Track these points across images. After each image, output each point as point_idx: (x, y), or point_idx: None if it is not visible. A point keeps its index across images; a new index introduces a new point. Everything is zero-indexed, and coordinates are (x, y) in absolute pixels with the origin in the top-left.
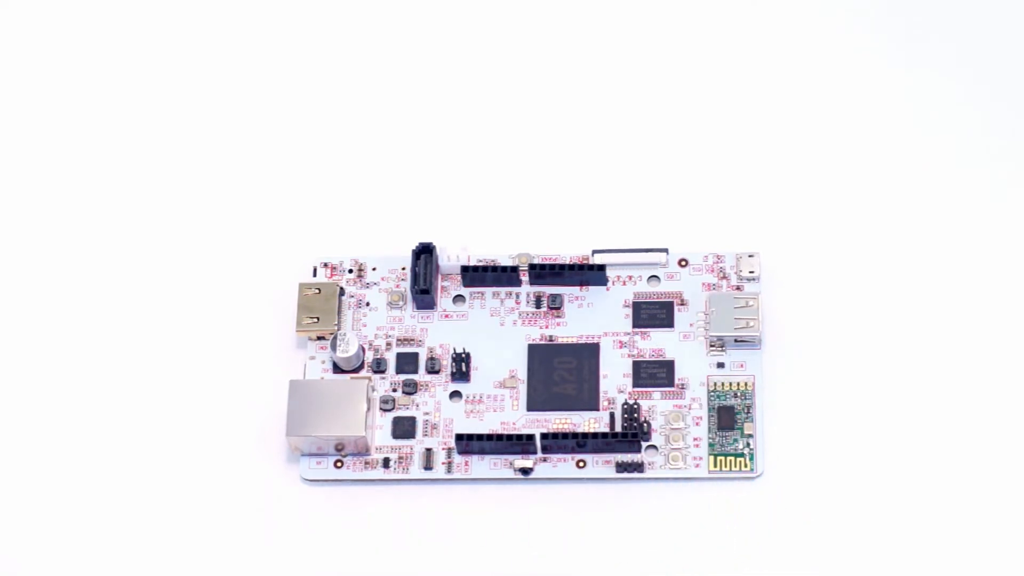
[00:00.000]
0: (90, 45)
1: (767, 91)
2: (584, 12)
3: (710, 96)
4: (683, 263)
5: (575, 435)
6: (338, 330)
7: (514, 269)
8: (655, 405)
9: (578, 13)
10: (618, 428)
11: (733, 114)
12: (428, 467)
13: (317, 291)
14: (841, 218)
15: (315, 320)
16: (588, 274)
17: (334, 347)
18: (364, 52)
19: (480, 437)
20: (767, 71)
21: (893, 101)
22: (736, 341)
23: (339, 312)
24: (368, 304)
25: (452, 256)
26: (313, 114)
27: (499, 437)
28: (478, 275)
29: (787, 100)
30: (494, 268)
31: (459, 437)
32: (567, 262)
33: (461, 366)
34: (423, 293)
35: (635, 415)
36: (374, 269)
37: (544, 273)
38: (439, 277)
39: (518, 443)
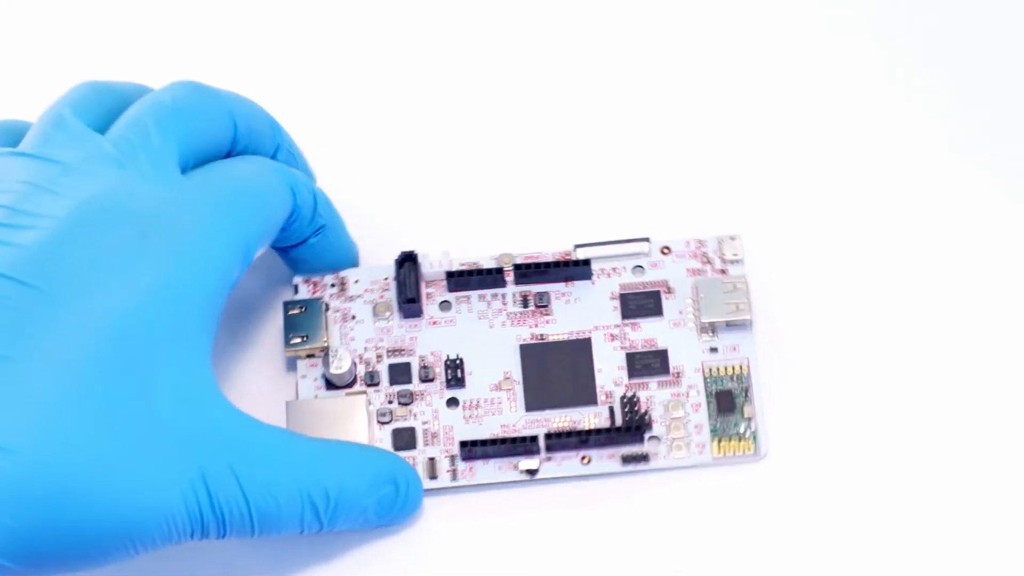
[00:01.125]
0: (86, 47)
1: (733, 71)
2: (551, 6)
3: (677, 82)
4: (665, 251)
5: (578, 432)
6: (328, 346)
7: (499, 271)
8: (653, 395)
9: (546, 8)
10: (618, 421)
11: (700, 98)
12: (433, 476)
13: (302, 308)
14: (817, 193)
15: (303, 339)
16: (572, 270)
17: (327, 363)
18: (335, 60)
19: (484, 443)
20: (734, 52)
21: (864, 78)
22: (728, 325)
23: (326, 328)
24: (354, 317)
25: (435, 263)
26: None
27: (503, 441)
28: (463, 279)
29: (753, 78)
30: (479, 271)
31: (463, 444)
32: (550, 259)
33: (456, 372)
34: (410, 303)
35: (634, 407)
36: (356, 281)
37: (528, 272)
38: (423, 284)
39: (523, 444)
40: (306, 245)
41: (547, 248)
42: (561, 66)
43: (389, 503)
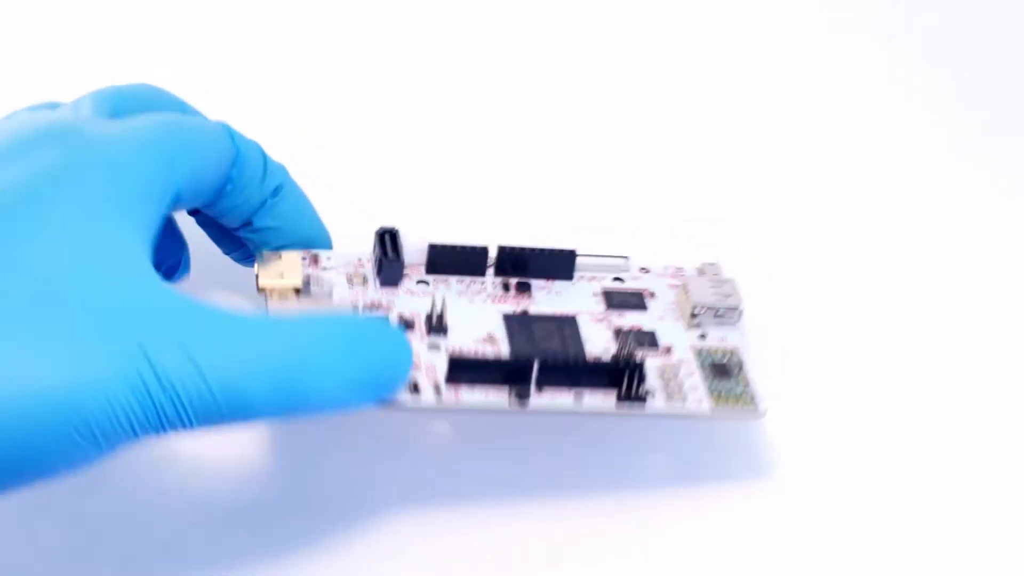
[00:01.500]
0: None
1: (731, 70)
2: (538, 12)
3: (674, 83)
4: (644, 271)
5: (573, 362)
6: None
7: (483, 249)
8: (645, 363)
9: (528, 15)
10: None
11: (698, 97)
12: (415, 391)
13: (278, 256)
14: (815, 192)
15: (280, 276)
16: (554, 267)
17: (308, 291)
18: (312, 52)
19: (475, 363)
20: (732, 52)
21: (864, 78)
22: (716, 316)
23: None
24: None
25: (412, 243)
26: (251, 120)
27: (495, 363)
28: (441, 258)
29: (752, 77)
30: (461, 247)
31: (453, 361)
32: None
33: (440, 320)
34: (391, 261)
35: (629, 356)
36: (328, 259)
37: (508, 262)
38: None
39: (515, 368)
40: (267, 209)
41: None
42: (539, 75)
43: (377, 366)
